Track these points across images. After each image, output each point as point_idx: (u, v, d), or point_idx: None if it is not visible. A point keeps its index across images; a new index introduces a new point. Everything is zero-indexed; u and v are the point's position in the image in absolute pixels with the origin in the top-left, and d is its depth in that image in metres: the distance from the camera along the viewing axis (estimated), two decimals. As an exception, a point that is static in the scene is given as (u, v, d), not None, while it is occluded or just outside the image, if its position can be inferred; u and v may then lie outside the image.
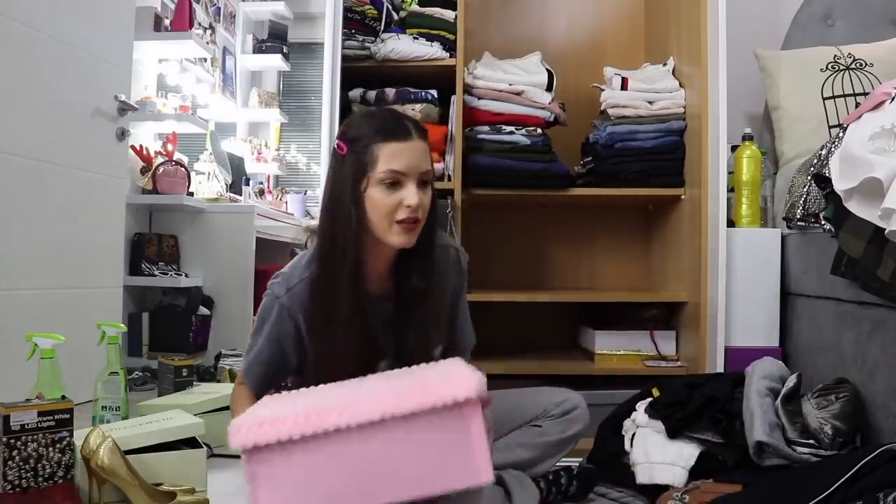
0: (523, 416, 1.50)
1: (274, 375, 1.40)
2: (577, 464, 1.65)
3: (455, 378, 0.96)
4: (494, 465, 0.98)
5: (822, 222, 1.71)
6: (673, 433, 1.61)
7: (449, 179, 2.21)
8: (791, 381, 1.64)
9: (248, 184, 3.79)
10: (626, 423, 1.77)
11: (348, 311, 1.26)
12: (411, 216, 1.24)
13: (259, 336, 1.36)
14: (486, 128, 2.21)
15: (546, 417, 1.50)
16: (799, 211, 1.85)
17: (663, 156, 2.23)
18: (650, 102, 2.24)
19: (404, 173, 1.23)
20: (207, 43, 3.59)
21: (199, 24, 3.56)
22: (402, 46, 2.21)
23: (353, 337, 1.26)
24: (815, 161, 1.74)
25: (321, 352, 1.29)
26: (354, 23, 2.23)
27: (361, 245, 1.26)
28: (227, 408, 2.06)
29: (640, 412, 1.73)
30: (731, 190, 2.13)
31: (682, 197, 2.25)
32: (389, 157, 1.23)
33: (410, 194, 1.23)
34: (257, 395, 1.37)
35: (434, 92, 2.25)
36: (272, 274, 1.38)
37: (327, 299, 1.27)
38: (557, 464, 1.54)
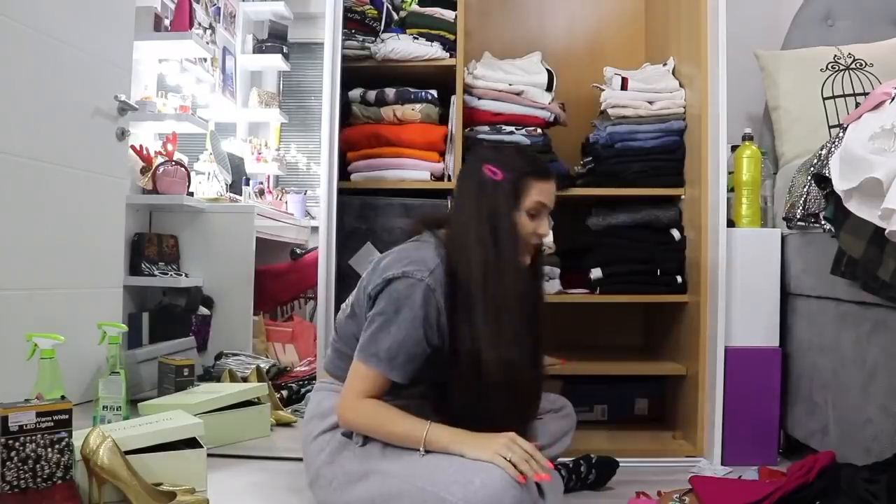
0: None
1: (416, 361, 1.38)
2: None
3: None
4: None
5: (822, 222, 1.71)
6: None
7: (449, 179, 2.21)
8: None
9: (248, 184, 3.80)
10: None
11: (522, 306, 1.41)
12: (539, 243, 1.49)
13: (395, 324, 1.36)
14: (486, 128, 2.21)
15: (545, 413, 1.65)
16: (799, 211, 1.85)
17: (663, 156, 2.23)
18: (650, 102, 2.24)
19: (547, 206, 1.47)
20: (207, 43, 3.59)
21: (199, 24, 3.56)
22: (402, 46, 2.20)
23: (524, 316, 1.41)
24: (815, 161, 1.74)
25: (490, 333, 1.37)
26: (354, 23, 2.23)
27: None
28: (227, 408, 2.07)
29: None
30: (731, 190, 2.13)
31: (682, 197, 2.24)
32: (539, 192, 1.45)
33: (545, 226, 1.48)
34: (400, 383, 1.37)
35: (434, 92, 2.25)
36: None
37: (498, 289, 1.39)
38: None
